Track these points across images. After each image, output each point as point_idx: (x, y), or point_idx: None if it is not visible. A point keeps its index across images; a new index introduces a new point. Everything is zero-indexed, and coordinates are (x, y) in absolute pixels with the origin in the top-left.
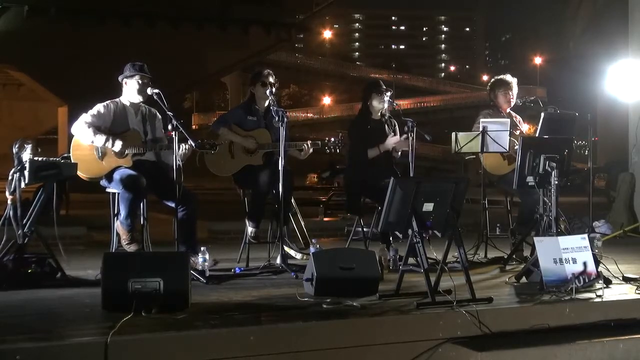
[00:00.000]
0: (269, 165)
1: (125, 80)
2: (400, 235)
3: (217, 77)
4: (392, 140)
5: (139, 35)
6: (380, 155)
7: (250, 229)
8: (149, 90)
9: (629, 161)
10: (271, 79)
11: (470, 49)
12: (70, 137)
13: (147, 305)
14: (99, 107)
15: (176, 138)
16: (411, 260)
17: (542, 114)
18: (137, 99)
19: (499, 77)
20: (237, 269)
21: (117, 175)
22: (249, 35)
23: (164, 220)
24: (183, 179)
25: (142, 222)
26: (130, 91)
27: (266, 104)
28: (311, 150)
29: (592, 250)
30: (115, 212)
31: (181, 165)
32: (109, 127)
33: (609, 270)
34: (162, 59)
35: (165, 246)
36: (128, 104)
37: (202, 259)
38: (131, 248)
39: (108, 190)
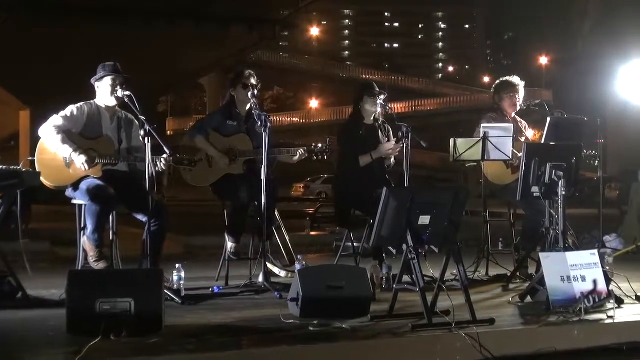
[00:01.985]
0: (250, 175)
1: (97, 83)
2: (394, 251)
3: (194, 78)
4: (386, 147)
5: (109, 33)
6: (372, 163)
7: (230, 245)
8: (120, 92)
9: None
10: (253, 81)
11: (470, 48)
12: (35, 141)
13: (117, 328)
14: (72, 109)
15: (149, 145)
16: (406, 278)
17: (548, 119)
18: (112, 102)
19: (504, 79)
20: (215, 288)
21: (84, 186)
22: (229, 33)
23: (134, 235)
24: (157, 190)
25: (111, 237)
26: (104, 94)
27: (248, 107)
28: (305, 155)
29: (602, 267)
30: (82, 225)
31: (154, 174)
32: (81, 131)
33: (621, 289)
34: (134, 58)
35: (136, 263)
36: (104, 107)
37: (177, 277)
38: (99, 265)
39: (74, 201)
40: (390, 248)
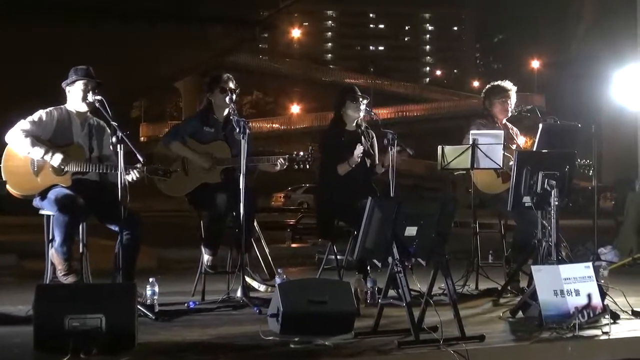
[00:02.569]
0: (228, 184)
1: (67, 87)
2: (379, 264)
3: (169, 82)
4: (356, 152)
5: (80, 34)
6: (356, 171)
7: (206, 257)
8: (90, 97)
9: (638, 179)
10: (231, 85)
11: (459, 51)
12: (3, 145)
13: (87, 345)
14: (41, 114)
15: (121, 153)
16: (392, 292)
17: (541, 125)
18: (83, 107)
19: (495, 83)
20: (191, 303)
21: (52, 195)
22: (206, 35)
23: (105, 247)
24: (129, 199)
25: (80, 250)
26: (75, 99)
27: (225, 113)
28: (286, 163)
29: (597, 280)
30: (50, 237)
31: (127, 183)
32: (50, 137)
33: (616, 304)
34: (106, 60)
35: (108, 277)
36: (74, 112)
37: (150, 292)
38: (68, 279)
39: (42, 212)
40: (375, 261)
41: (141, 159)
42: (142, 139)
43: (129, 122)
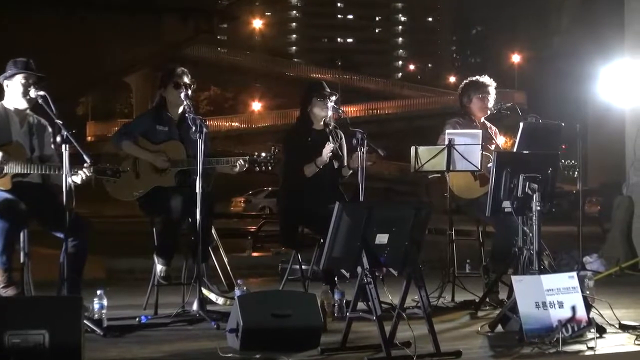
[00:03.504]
0: (183, 187)
1: (6, 82)
2: (348, 275)
3: (119, 77)
4: (326, 151)
5: (20, 23)
6: (322, 174)
7: (159, 267)
8: (33, 92)
9: (626, 182)
10: (186, 79)
11: (434, 44)
12: None
13: None
14: None
15: (66, 153)
16: (361, 305)
17: (521, 124)
18: (23, 104)
19: (473, 79)
20: (143, 317)
21: None
22: (160, 25)
23: (50, 256)
24: (75, 204)
25: (22, 259)
26: (14, 95)
27: (180, 110)
28: (246, 165)
29: (582, 291)
30: None
31: (72, 186)
32: None
33: (602, 317)
34: (50, 53)
35: (52, 289)
36: (12, 109)
37: (98, 306)
38: (8, 292)
39: None
40: (344, 271)
41: (88, 160)
42: (89, 138)
43: (74, 120)
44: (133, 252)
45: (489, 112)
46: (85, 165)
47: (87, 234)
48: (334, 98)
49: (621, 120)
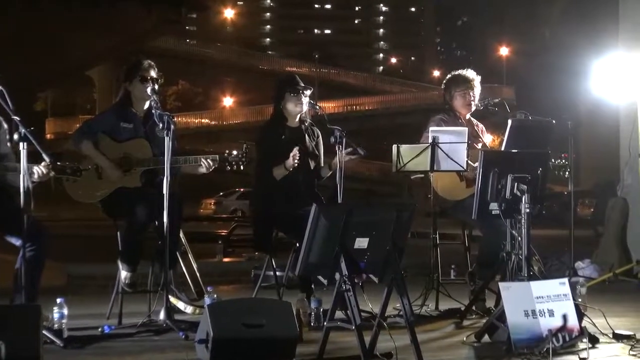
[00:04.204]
0: (149, 188)
1: None
2: (325, 281)
3: (81, 70)
4: (293, 154)
5: None
6: (297, 174)
7: (124, 274)
8: None
9: (620, 183)
10: (153, 73)
11: (417, 36)
12: None
13: None
14: None
15: (24, 152)
16: (339, 314)
17: (510, 122)
18: None
19: (457, 73)
20: (106, 327)
21: None
22: (124, 15)
23: (5, 263)
24: (33, 207)
25: None
26: None
27: (146, 106)
28: (214, 165)
29: (574, 299)
30: None
31: (30, 188)
32: None
33: (595, 326)
34: (7, 46)
35: (7, 298)
36: None
37: (58, 315)
38: None
39: None
40: (321, 278)
41: (47, 159)
42: (48, 136)
43: (32, 116)
44: (95, 258)
45: (473, 108)
46: (43, 164)
47: (46, 238)
48: (308, 92)
49: (615, 117)
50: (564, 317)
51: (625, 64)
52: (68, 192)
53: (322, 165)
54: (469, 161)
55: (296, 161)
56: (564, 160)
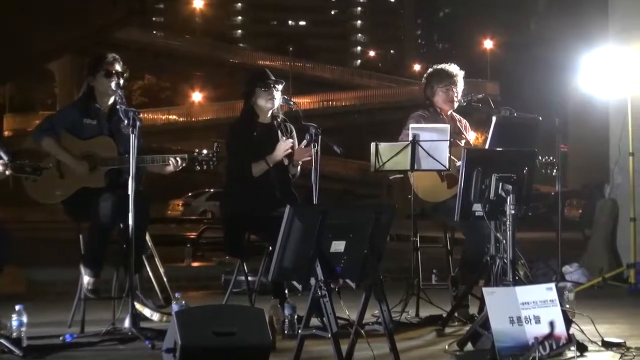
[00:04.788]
0: (113, 188)
1: None
2: (300, 287)
3: (41, 64)
4: (283, 147)
5: None
6: (270, 174)
7: (86, 279)
8: None
9: (610, 182)
10: (118, 67)
11: (397, 28)
12: None
13: None
14: None
15: None
16: (314, 321)
17: (494, 118)
18: None
19: (439, 67)
20: (68, 336)
21: None
22: (87, 6)
23: None
24: None
25: None
26: None
27: (111, 101)
28: (183, 164)
29: (561, 305)
30: None
31: None
32: None
33: (584, 333)
34: None
35: None
36: None
37: (17, 323)
38: None
39: None
40: (295, 283)
41: (5, 157)
42: (6, 133)
43: None
44: (56, 262)
45: (456, 104)
46: (0, 161)
47: (6, 242)
48: (280, 87)
49: (605, 114)
50: (551, 324)
51: (616, 58)
52: (28, 192)
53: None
54: (453, 158)
55: (283, 154)
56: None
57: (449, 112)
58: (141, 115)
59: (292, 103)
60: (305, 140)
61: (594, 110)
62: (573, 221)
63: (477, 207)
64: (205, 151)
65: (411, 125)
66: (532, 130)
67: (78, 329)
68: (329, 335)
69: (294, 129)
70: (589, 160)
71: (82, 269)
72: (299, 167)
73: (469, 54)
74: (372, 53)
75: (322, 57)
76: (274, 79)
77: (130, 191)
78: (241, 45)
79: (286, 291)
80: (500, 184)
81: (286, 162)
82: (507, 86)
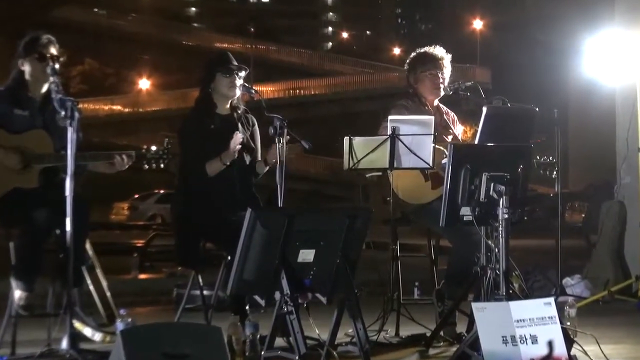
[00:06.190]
0: (49, 190)
1: None
2: (263, 302)
3: None
4: (233, 142)
5: None
6: (230, 172)
7: (18, 294)
8: None
9: (617, 182)
10: (53, 50)
11: (373, 7)
12: None
13: None
14: None
15: None
16: (280, 341)
17: (485, 109)
18: None
19: (422, 51)
20: None
21: None
22: None
23: None
24: None
25: None
26: None
27: (45, 89)
28: (129, 163)
29: (561, 322)
30: None
31: None
32: None
33: (587, 354)
34: None
35: None
36: None
37: None
38: None
39: None
40: (257, 298)
41: None
42: None
43: None
44: None
45: (442, 93)
46: None
47: None
48: (242, 73)
49: (610, 104)
50: (550, 344)
51: (622, 42)
52: None
53: (259, 159)
54: (439, 154)
55: (236, 150)
56: (550, 158)
57: (434, 103)
58: (81, 106)
59: (253, 91)
60: (280, 142)
61: (599, 99)
62: (575, 226)
63: (466, 211)
64: (154, 147)
65: (390, 117)
66: (528, 123)
67: (8, 351)
68: (297, 358)
69: (256, 122)
70: (592, 157)
71: (13, 282)
72: (267, 167)
73: (456, 35)
74: (345, 34)
75: (288, 40)
76: (236, 64)
77: (68, 193)
78: (196, 25)
79: (247, 307)
80: (492, 184)
81: (248, 160)
82: (500, 72)
